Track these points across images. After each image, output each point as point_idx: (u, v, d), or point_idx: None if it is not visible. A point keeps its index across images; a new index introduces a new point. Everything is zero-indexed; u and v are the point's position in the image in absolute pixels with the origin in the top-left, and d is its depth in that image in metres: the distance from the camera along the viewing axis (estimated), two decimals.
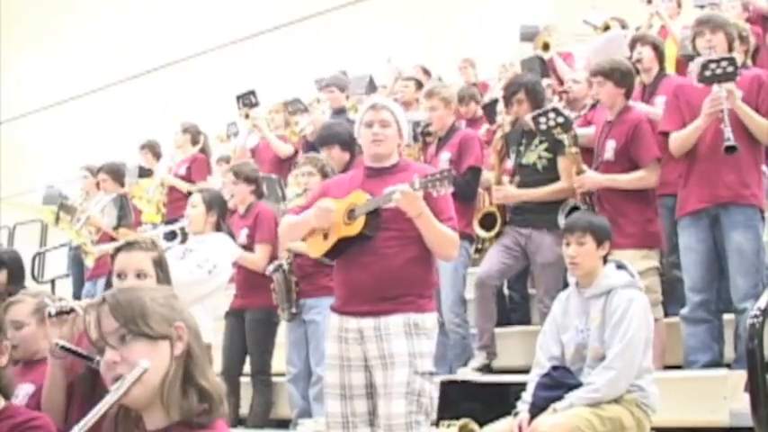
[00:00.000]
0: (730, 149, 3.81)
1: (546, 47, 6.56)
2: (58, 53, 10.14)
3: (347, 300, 3.25)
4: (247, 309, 5.09)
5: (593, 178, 4.36)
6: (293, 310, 4.82)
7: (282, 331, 5.13)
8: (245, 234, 5.05)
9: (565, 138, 4.37)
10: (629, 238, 4.15)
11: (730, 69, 3.87)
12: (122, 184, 6.77)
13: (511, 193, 4.63)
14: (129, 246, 2.82)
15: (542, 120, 4.37)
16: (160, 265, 2.81)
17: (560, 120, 4.34)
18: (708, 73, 3.90)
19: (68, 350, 2.46)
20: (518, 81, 4.85)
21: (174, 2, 9.43)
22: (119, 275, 2.78)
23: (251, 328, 5.10)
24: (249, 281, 5.03)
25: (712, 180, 4.01)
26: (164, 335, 1.73)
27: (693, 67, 4.12)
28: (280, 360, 5.17)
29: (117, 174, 6.75)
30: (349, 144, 4.97)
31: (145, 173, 6.94)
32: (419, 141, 5.33)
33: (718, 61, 3.89)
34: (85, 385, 2.52)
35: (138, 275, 2.76)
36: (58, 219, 6.60)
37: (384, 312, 3.13)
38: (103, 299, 1.77)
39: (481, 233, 4.79)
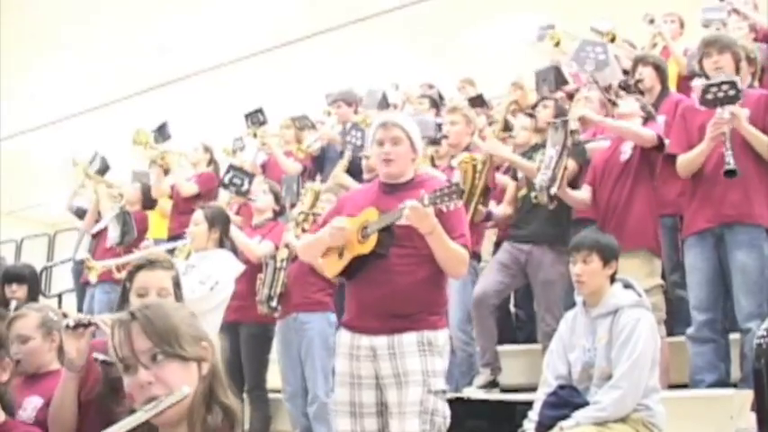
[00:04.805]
0: (730, 173, 3.82)
1: (557, 43, 6.49)
2: (67, 68, 10.17)
3: (358, 316, 3.23)
4: (242, 323, 5.08)
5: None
6: (272, 304, 4.82)
7: (275, 348, 5.14)
8: (257, 240, 5.12)
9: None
10: (633, 238, 4.10)
11: (732, 93, 3.85)
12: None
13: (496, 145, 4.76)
14: (152, 264, 2.82)
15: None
16: (177, 284, 2.83)
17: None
18: (709, 96, 3.90)
19: (110, 364, 2.38)
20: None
21: (178, 19, 9.47)
22: (139, 294, 2.77)
23: (246, 343, 5.11)
24: (244, 294, 4.94)
25: (718, 200, 4.01)
26: (195, 356, 1.73)
27: (696, 89, 4.12)
28: (276, 376, 5.19)
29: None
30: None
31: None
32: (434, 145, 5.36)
33: (718, 85, 3.88)
34: (106, 404, 2.47)
35: (160, 294, 2.76)
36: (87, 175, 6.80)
37: (397, 330, 3.11)
38: (132, 315, 1.73)
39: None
